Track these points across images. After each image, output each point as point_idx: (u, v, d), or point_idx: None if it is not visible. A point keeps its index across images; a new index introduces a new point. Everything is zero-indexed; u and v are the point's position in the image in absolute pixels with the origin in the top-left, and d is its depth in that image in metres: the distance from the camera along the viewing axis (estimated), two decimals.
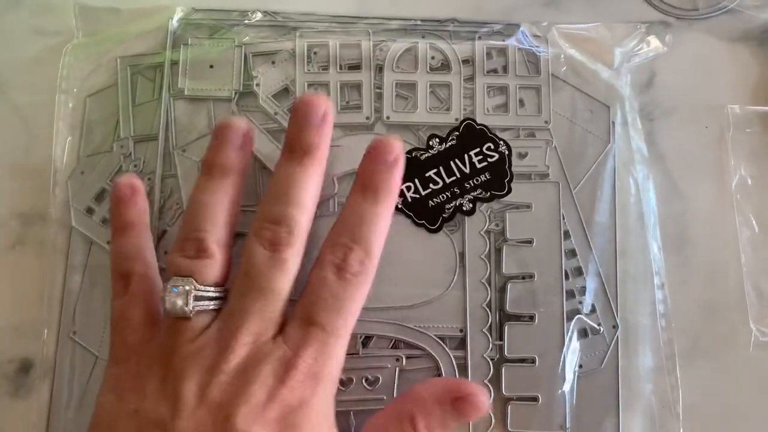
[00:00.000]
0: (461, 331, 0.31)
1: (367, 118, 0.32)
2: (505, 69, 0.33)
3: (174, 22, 0.33)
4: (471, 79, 0.33)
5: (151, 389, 0.25)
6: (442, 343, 0.30)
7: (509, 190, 0.32)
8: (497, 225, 0.32)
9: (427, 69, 0.33)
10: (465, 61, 0.33)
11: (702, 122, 0.34)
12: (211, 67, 0.33)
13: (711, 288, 0.33)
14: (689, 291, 0.33)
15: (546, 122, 0.33)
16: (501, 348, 0.31)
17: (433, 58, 0.33)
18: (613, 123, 0.33)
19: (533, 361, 0.31)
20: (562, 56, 0.34)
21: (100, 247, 0.31)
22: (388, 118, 0.32)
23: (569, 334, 0.31)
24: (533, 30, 0.34)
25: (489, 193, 0.32)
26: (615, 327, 0.31)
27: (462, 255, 0.31)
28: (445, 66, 0.33)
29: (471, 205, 0.32)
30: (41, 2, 0.35)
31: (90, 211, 0.32)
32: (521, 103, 0.33)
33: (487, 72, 0.33)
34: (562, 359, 0.30)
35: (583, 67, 0.34)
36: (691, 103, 0.35)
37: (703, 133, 0.34)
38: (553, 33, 0.34)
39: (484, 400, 0.27)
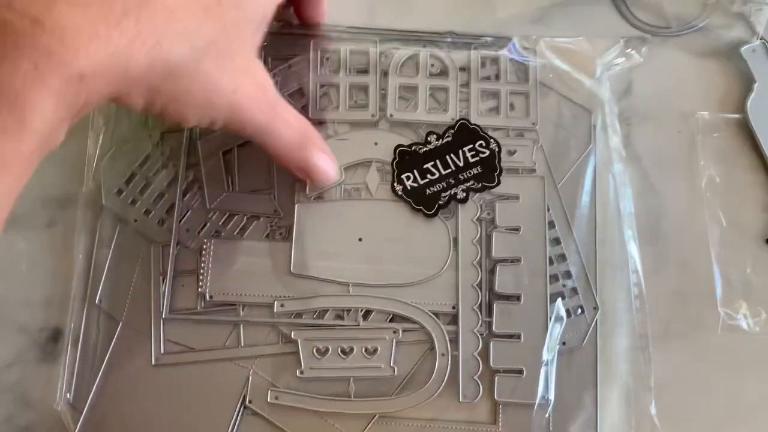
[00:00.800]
0: (453, 308, 0.34)
1: (373, 115, 0.36)
2: (497, 76, 0.37)
3: None
4: (466, 84, 0.37)
5: None
6: (435, 319, 0.33)
7: (499, 183, 0.35)
8: (488, 213, 0.35)
9: (427, 74, 0.37)
10: (461, 69, 0.37)
11: (674, 127, 0.38)
12: None
13: (682, 276, 0.36)
14: (662, 279, 0.36)
15: (533, 124, 0.36)
16: (490, 324, 0.34)
17: (432, 65, 0.37)
18: (594, 126, 0.37)
19: (519, 337, 0.33)
20: (549, 66, 0.37)
21: (127, 225, 0.34)
22: (391, 116, 0.36)
23: (552, 313, 0.34)
24: (523, 43, 0.38)
25: (481, 185, 0.35)
26: (596, 308, 0.34)
27: (455, 239, 0.34)
28: (443, 72, 0.37)
29: (464, 195, 0.35)
30: None
31: (120, 192, 0.35)
32: (511, 106, 0.37)
33: (481, 79, 0.37)
34: (546, 336, 0.33)
35: (567, 76, 0.37)
36: (664, 110, 0.38)
37: (675, 136, 0.38)
38: (540, 45, 0.37)
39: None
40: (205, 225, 0.35)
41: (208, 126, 0.29)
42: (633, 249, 0.35)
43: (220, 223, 0.35)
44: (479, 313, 0.34)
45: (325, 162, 0.33)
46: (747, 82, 0.38)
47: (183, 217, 0.35)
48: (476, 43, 0.38)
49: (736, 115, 0.38)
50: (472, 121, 0.36)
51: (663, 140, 0.38)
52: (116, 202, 0.35)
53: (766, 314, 0.35)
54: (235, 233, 0.35)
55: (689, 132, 0.38)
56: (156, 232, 0.34)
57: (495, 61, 0.37)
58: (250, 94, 0.29)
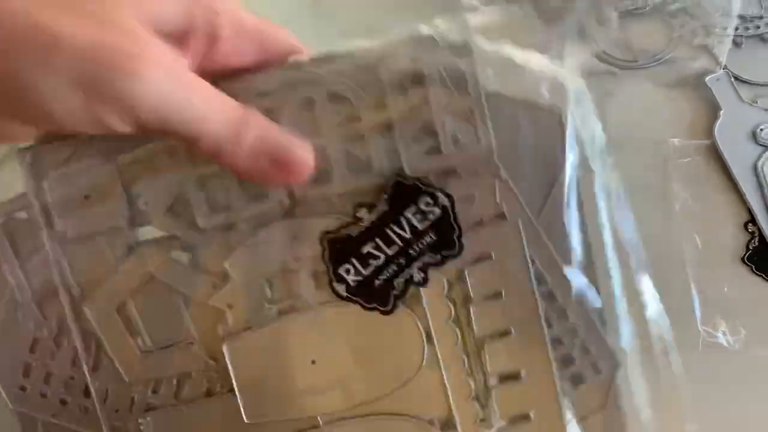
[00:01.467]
0: (449, 411, 0.28)
1: (281, 202, 0.28)
2: (425, 101, 0.27)
3: None
4: (388, 126, 0.27)
5: None
6: (430, 424, 0.28)
7: (461, 247, 0.27)
8: (460, 285, 0.28)
9: (334, 127, 0.27)
10: (377, 106, 0.27)
11: (647, 153, 0.39)
12: None
13: (662, 297, 0.37)
14: None
15: (488, 152, 0.27)
16: (491, 415, 0.28)
17: (338, 112, 0.27)
18: (565, 128, 0.29)
19: (529, 418, 0.28)
20: (491, 62, 0.28)
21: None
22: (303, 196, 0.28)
23: (565, 384, 0.29)
24: (447, 37, 0.27)
25: (439, 256, 0.27)
26: (616, 365, 0.30)
27: (427, 331, 0.28)
28: (353, 118, 0.27)
29: (422, 274, 0.27)
30: None
31: (23, 389, 0.31)
32: (454, 139, 0.27)
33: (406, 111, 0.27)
34: (561, 411, 0.28)
35: (518, 68, 0.28)
36: (636, 138, 0.39)
37: (647, 163, 0.39)
38: (470, 32, 0.27)
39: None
40: (132, 401, 0.29)
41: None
42: (644, 283, 0.32)
43: (149, 394, 0.29)
44: (476, 404, 0.28)
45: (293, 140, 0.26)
46: (713, 109, 0.40)
47: (105, 399, 0.29)
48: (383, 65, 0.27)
49: (705, 141, 0.39)
50: (410, 174, 0.27)
51: (636, 167, 0.39)
52: (24, 403, 0.30)
53: (745, 331, 0.36)
54: (170, 401, 0.29)
55: (661, 158, 0.39)
56: (84, 423, 0.29)
57: (417, 79, 0.27)
58: None
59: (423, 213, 0.27)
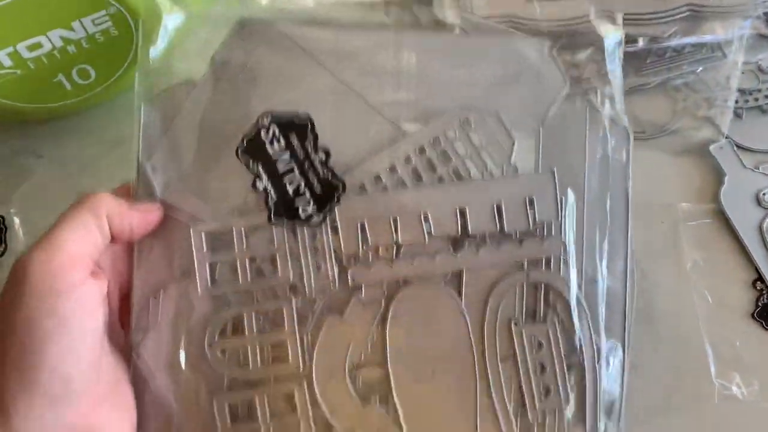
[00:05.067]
0: None
1: None
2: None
3: None
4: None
5: None
6: None
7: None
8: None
9: None
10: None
11: (658, 218, 0.43)
12: None
13: (678, 352, 0.39)
14: (659, 356, 0.39)
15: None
16: None
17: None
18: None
19: None
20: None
21: None
22: None
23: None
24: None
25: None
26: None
27: None
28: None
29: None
30: None
31: None
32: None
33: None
34: None
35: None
36: (647, 203, 0.42)
37: (659, 226, 0.42)
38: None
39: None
40: None
41: None
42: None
43: None
44: None
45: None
46: (718, 176, 0.43)
47: None
48: None
49: (712, 205, 0.43)
50: None
51: (648, 230, 0.42)
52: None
53: (758, 383, 0.38)
54: None
55: (672, 222, 0.42)
56: None
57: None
58: None
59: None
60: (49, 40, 0.38)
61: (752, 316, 0.40)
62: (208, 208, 0.33)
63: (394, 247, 0.33)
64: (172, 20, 0.34)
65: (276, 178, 0.33)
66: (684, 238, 0.42)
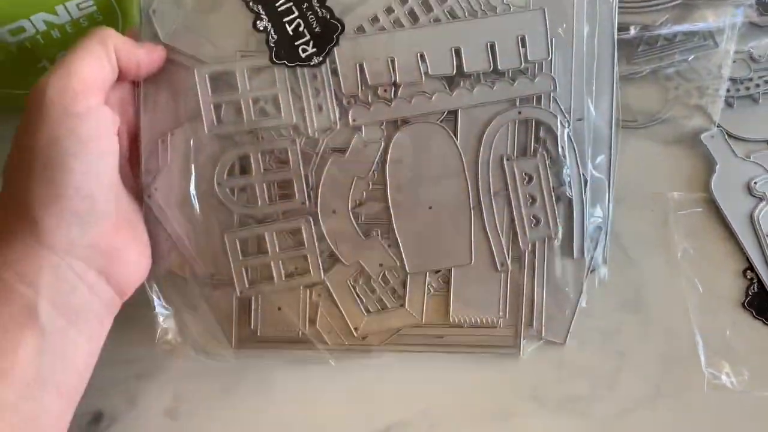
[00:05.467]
0: None
1: None
2: None
3: None
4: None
5: None
6: None
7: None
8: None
9: None
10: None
11: (648, 207, 0.42)
12: None
13: (667, 341, 0.39)
14: (648, 345, 0.39)
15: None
16: None
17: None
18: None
19: None
20: None
21: None
22: None
23: None
24: None
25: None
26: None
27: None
28: None
29: None
30: None
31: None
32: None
33: None
34: None
35: None
36: (638, 192, 0.42)
37: (650, 215, 0.42)
38: None
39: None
40: None
41: None
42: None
43: None
44: None
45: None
46: (709, 165, 0.43)
47: None
48: None
49: (703, 194, 0.42)
50: None
51: (639, 219, 0.42)
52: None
53: (748, 373, 0.38)
54: None
55: (662, 210, 0.42)
56: None
57: None
58: None
59: None
60: (33, 24, 0.38)
61: (742, 305, 0.40)
62: (211, 50, 0.35)
63: (392, 88, 0.35)
64: None
65: (276, 18, 0.34)
66: (674, 226, 0.41)
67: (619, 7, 0.44)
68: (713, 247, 0.41)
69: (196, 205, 0.35)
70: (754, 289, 0.40)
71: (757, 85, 0.45)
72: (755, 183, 0.42)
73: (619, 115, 0.37)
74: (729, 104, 0.45)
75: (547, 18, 0.35)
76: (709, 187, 0.42)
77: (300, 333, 0.36)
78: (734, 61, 0.45)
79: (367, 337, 0.36)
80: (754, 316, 0.39)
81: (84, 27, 0.39)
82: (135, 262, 0.34)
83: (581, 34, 0.36)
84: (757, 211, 0.41)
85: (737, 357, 0.38)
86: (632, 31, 0.44)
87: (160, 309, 0.36)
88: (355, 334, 0.36)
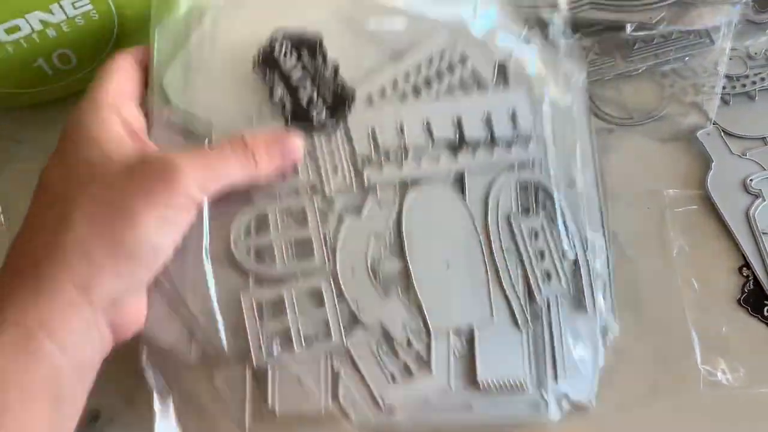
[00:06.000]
0: None
1: None
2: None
3: None
4: None
5: None
6: None
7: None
8: None
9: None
10: None
11: (644, 204, 0.42)
12: None
13: (663, 338, 0.39)
14: (644, 342, 0.39)
15: None
16: None
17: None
18: None
19: None
20: None
21: None
22: None
23: None
24: None
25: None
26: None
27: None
28: None
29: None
30: None
31: None
32: None
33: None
34: None
35: None
36: (634, 190, 0.42)
37: (646, 213, 0.42)
38: None
39: (299, 141, 0.35)
40: None
41: None
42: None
43: None
44: None
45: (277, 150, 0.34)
46: (705, 162, 0.43)
47: None
48: None
49: (699, 191, 0.42)
50: None
51: (635, 217, 0.42)
52: None
53: (744, 370, 0.38)
54: None
55: (658, 208, 0.42)
56: None
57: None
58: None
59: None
60: (28, 22, 0.38)
61: (738, 302, 0.40)
62: (226, 118, 0.36)
63: (402, 151, 0.36)
64: None
65: (290, 89, 0.36)
66: (670, 224, 0.41)
67: (615, 5, 0.45)
68: (709, 245, 0.41)
69: (209, 269, 0.34)
70: (749, 286, 0.40)
71: (754, 83, 0.45)
72: (751, 180, 0.42)
73: (604, 185, 0.39)
74: (725, 101, 0.45)
75: (533, 94, 0.38)
76: (705, 184, 0.42)
77: (323, 409, 0.34)
78: (730, 59, 0.45)
79: (395, 410, 0.34)
80: (749, 312, 0.40)
81: (81, 26, 0.39)
82: (139, 312, 0.33)
83: (561, 110, 0.39)
84: (753, 208, 0.41)
85: (733, 354, 0.38)
86: (628, 29, 0.44)
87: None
88: (381, 405, 0.34)
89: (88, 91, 0.34)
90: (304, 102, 0.36)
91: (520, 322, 0.35)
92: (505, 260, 0.35)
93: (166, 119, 0.36)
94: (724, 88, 0.44)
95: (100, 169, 0.31)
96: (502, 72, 0.38)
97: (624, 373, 0.38)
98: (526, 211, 0.37)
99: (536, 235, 0.36)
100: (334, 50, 0.37)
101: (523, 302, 0.35)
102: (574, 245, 0.36)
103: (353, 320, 0.34)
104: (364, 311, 0.35)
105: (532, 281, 0.35)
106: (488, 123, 0.37)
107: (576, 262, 0.36)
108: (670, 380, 0.38)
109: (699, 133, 0.43)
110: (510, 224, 0.36)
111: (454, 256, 0.36)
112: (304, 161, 0.36)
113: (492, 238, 0.36)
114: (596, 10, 0.44)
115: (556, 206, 0.37)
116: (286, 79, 0.36)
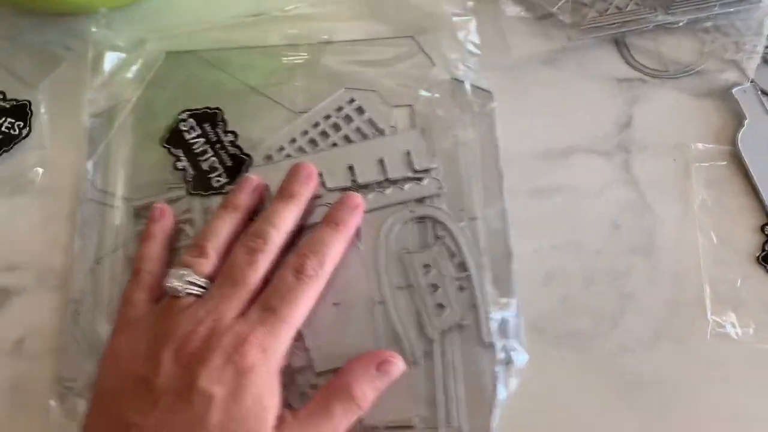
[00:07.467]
0: None
1: None
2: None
3: None
4: None
5: (141, 351, 0.32)
6: None
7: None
8: None
9: None
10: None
11: (670, 155, 0.42)
12: None
13: (675, 287, 0.39)
14: (655, 289, 0.38)
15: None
16: None
17: None
18: None
19: None
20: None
21: None
22: None
23: None
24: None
25: None
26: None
27: None
28: None
29: None
30: None
31: None
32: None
33: None
34: None
35: None
36: (662, 141, 0.42)
37: (671, 164, 0.41)
38: None
39: (399, 360, 0.34)
40: None
41: None
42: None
43: None
44: None
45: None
46: (738, 119, 0.42)
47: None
48: None
49: (728, 147, 0.41)
50: None
51: (659, 166, 0.41)
52: None
53: (755, 325, 0.37)
54: None
55: (684, 160, 0.41)
56: None
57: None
58: None
59: None
60: None
61: (757, 259, 0.39)
62: (142, 187, 0.40)
63: None
64: (113, 57, 0.44)
65: (193, 159, 0.41)
66: (695, 177, 0.41)
67: None
68: (733, 201, 0.40)
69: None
70: None
71: None
72: None
73: (507, 220, 0.39)
74: (766, 61, 0.44)
75: (430, 134, 0.41)
76: (736, 140, 0.41)
77: None
78: None
79: None
80: (767, 272, 0.39)
81: None
82: None
83: (464, 145, 0.41)
84: None
85: (745, 309, 0.38)
86: None
87: None
88: None
89: None
90: (205, 168, 0.40)
91: (409, 359, 0.35)
92: (395, 297, 0.36)
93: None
94: (765, 47, 0.43)
95: None
96: (405, 114, 0.41)
97: (631, 317, 0.38)
98: (423, 245, 0.38)
99: (428, 267, 0.37)
100: (236, 118, 0.42)
101: (415, 339, 0.36)
102: (470, 276, 0.37)
103: None
104: None
105: (422, 314, 0.36)
106: (382, 166, 0.40)
107: (472, 293, 0.37)
108: (677, 327, 0.38)
109: (735, 90, 0.43)
110: (402, 261, 0.37)
111: (344, 295, 0.36)
112: (201, 221, 0.39)
113: (380, 275, 0.37)
114: None
115: (454, 237, 0.38)
116: (189, 150, 0.41)
